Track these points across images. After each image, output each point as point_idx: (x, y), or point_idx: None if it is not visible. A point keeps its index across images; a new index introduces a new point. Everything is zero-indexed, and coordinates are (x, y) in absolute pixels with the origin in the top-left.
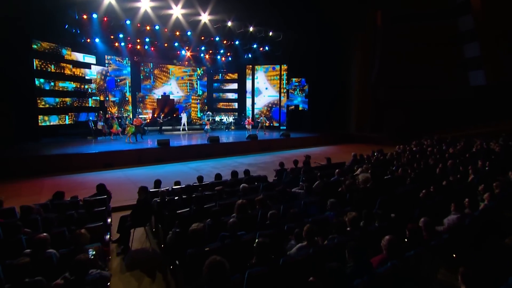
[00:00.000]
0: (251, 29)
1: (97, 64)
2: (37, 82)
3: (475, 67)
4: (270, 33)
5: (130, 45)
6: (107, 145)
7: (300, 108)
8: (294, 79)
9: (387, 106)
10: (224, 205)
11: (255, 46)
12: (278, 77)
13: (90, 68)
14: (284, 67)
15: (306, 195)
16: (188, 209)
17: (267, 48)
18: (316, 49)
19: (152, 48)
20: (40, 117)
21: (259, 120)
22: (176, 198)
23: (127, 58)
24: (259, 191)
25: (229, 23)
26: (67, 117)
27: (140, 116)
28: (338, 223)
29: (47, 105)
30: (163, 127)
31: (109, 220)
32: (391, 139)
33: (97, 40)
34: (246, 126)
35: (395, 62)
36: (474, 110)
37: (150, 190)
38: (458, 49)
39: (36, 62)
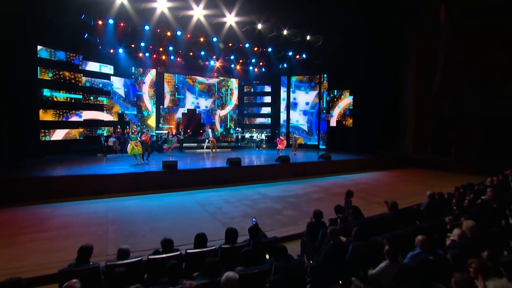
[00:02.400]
0: (285, 32)
1: (118, 75)
2: (44, 92)
3: None
4: (308, 37)
5: (155, 56)
6: (106, 166)
7: (343, 125)
8: (336, 91)
9: (454, 122)
10: None
11: (290, 53)
12: (317, 89)
13: (110, 79)
14: (324, 77)
15: None
16: None
17: (304, 55)
18: (362, 55)
19: (178, 59)
20: (44, 131)
21: (293, 138)
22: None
23: (151, 69)
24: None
25: (259, 26)
26: (80, 132)
27: (149, 132)
28: None
29: (54, 118)
30: (185, 144)
31: None
32: (464, 165)
33: (120, 50)
34: (278, 146)
35: (463, 67)
36: None
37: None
38: None
39: (41, 70)
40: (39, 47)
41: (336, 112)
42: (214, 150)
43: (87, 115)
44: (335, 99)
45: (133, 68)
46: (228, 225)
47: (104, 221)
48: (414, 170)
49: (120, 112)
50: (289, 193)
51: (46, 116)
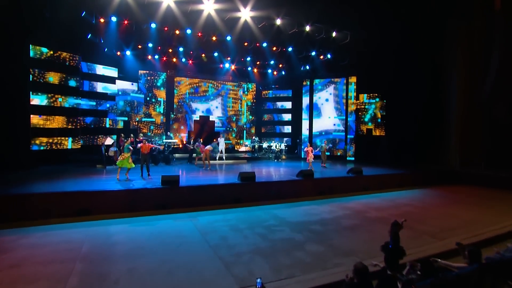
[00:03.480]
0: (307, 28)
1: (124, 79)
2: (36, 97)
3: None
4: (333, 34)
5: (164, 58)
6: (101, 180)
7: (374, 134)
8: (365, 96)
9: None
10: None
11: (313, 53)
12: (344, 93)
13: (115, 83)
14: (352, 79)
15: None
16: None
17: (329, 56)
18: (395, 53)
19: (190, 61)
20: (38, 140)
21: (319, 148)
22: None
23: (160, 73)
24: None
25: (278, 21)
26: (81, 140)
27: (154, 141)
28: None
29: (47, 125)
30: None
31: None
32: None
33: (128, 53)
34: (308, 158)
35: None
36: None
37: None
38: None
39: (33, 73)
40: (31, 47)
41: (366, 119)
42: (207, 162)
43: (87, 121)
44: (365, 105)
45: (141, 71)
46: (232, 266)
47: (74, 255)
48: (464, 188)
49: (126, 119)
50: (313, 218)
51: (40, 122)
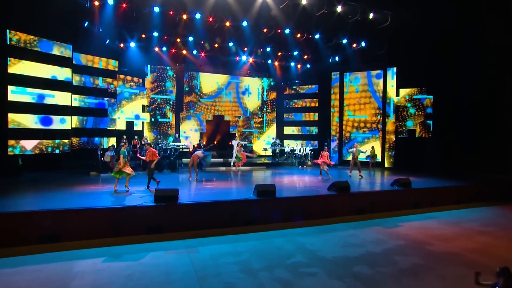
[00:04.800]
0: (338, 8)
1: (128, 74)
2: (16, 93)
3: None
4: (371, 15)
5: (173, 50)
6: (88, 192)
7: (418, 135)
8: (407, 91)
9: None
10: None
11: (344, 41)
12: (381, 88)
13: (116, 78)
14: (391, 72)
15: None
16: None
17: (363, 43)
18: (448, 39)
19: (202, 53)
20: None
21: (351, 150)
22: None
23: (169, 68)
24: None
25: (304, 0)
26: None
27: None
28: None
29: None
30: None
31: None
32: None
33: (132, 44)
34: (322, 166)
35: None
36: None
37: None
38: None
39: (12, 62)
40: (10, 32)
41: (408, 118)
42: (193, 170)
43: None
44: (407, 101)
45: (148, 66)
46: None
47: None
48: None
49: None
50: (355, 251)
51: (18, 120)
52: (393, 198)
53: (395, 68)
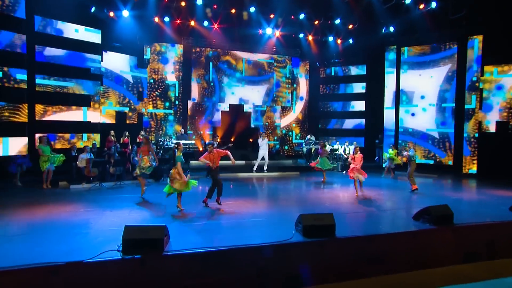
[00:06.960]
0: None
1: (118, 50)
2: None
3: None
4: None
5: (178, 21)
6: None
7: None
8: (496, 70)
9: None
10: None
11: (408, 1)
12: (455, 66)
13: (101, 55)
14: (474, 43)
15: None
16: None
17: (433, 3)
18: None
19: (215, 25)
20: None
21: (407, 153)
22: None
23: (173, 43)
24: None
25: None
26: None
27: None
28: None
29: None
30: (222, 162)
31: None
32: None
33: (125, 13)
34: (354, 176)
35: None
36: None
37: None
38: None
39: None
40: None
41: (497, 105)
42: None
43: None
44: (495, 82)
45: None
46: None
47: None
48: None
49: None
50: None
51: None
52: None
53: (480, 37)
